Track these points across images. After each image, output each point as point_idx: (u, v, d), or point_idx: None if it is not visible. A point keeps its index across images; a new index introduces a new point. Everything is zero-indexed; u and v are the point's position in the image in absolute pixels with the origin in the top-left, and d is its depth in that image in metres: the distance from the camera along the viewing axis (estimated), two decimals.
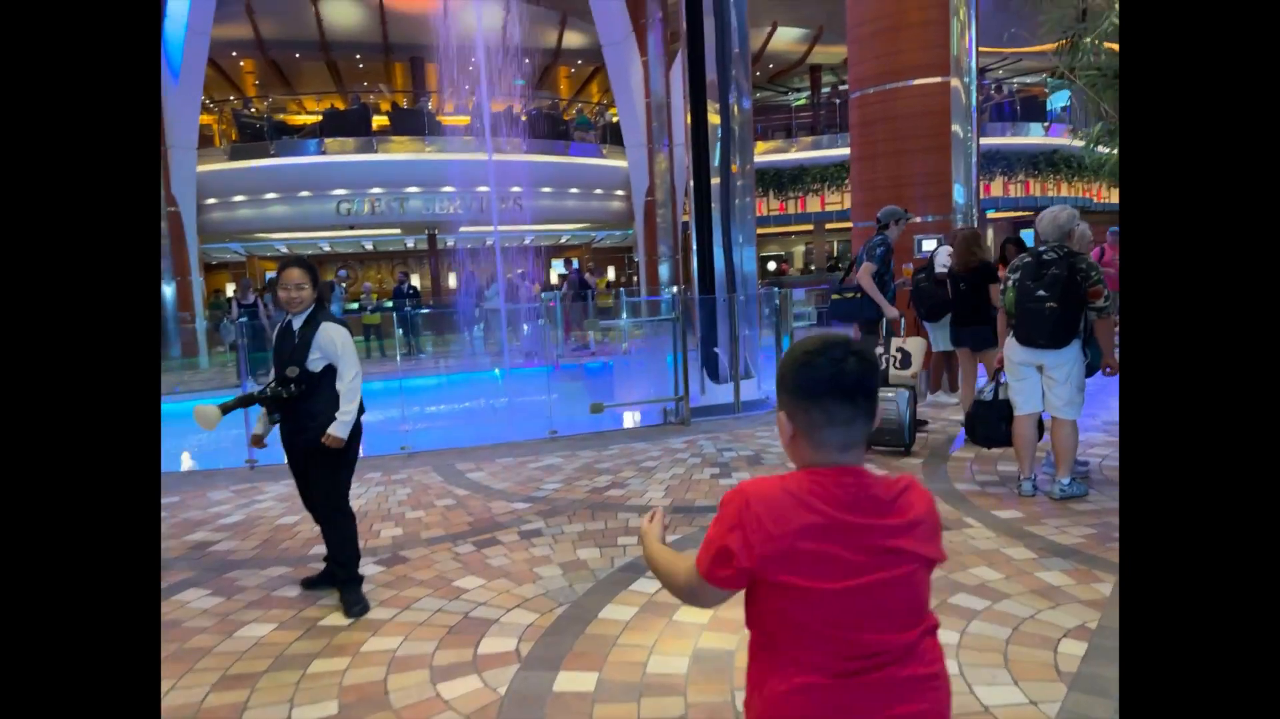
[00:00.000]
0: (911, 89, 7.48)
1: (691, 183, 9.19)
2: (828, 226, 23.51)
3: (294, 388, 3.15)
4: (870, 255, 5.76)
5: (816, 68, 24.52)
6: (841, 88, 23.63)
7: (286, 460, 3.41)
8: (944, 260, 6.95)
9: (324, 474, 3.26)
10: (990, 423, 4.42)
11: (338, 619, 3.16)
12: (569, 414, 7.09)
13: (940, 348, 7.06)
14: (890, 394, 5.26)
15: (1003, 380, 4.41)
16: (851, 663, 1.06)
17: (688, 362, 6.75)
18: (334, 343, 3.19)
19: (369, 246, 25.81)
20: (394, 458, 6.00)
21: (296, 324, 3.21)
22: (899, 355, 5.53)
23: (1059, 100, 20.95)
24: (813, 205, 20.43)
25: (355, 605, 3.19)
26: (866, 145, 7.94)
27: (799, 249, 27.46)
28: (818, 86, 24.57)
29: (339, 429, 3.17)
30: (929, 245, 7.47)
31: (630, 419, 7.19)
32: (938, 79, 7.41)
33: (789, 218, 21.11)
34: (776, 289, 7.58)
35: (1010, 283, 4.11)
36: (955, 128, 7.44)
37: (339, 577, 3.28)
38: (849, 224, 24.02)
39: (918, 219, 7.66)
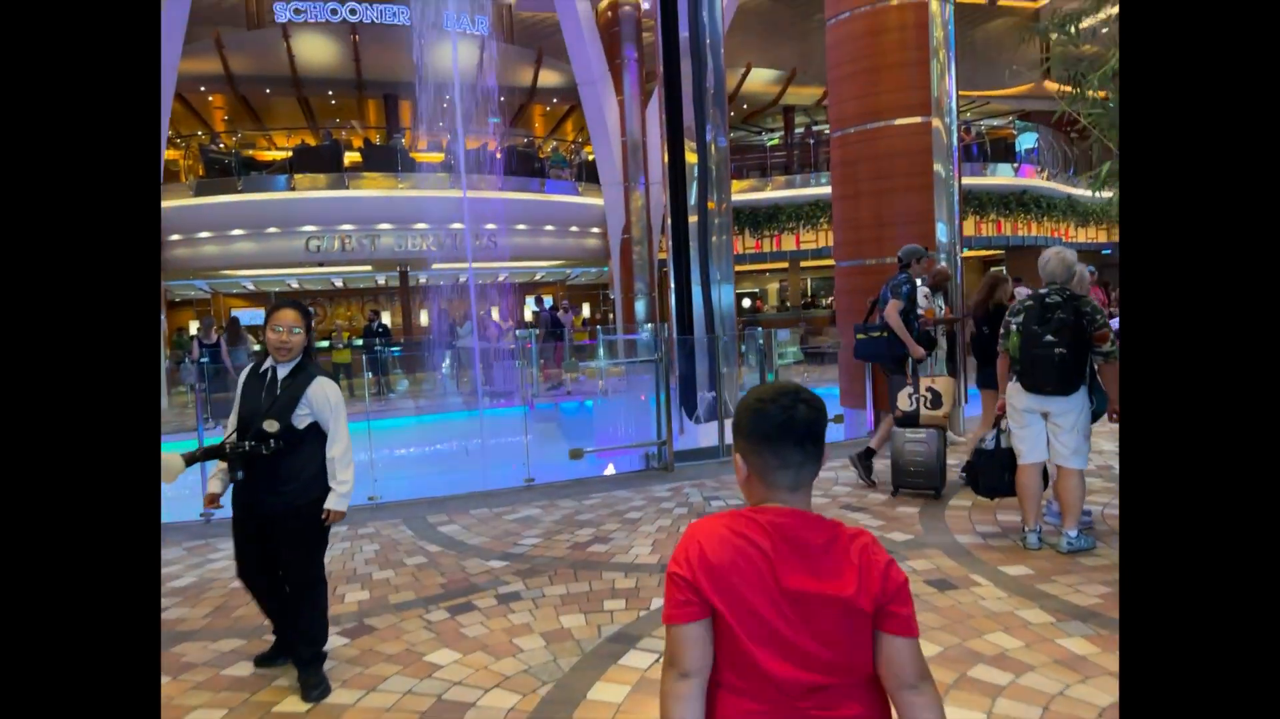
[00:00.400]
0: (893, 129, 7.46)
1: (669, 220, 9.22)
2: (803, 264, 23.62)
3: (274, 444, 2.80)
4: (896, 293, 5.67)
5: (790, 108, 24.89)
6: (815, 127, 24.00)
7: (235, 520, 3.01)
8: (921, 304, 6.86)
9: (299, 542, 2.93)
10: (993, 473, 4.23)
11: (295, 705, 2.83)
12: (546, 459, 6.81)
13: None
14: (921, 435, 5.11)
15: (1005, 428, 4.24)
16: (785, 698, 1.12)
17: (670, 404, 6.53)
18: (327, 400, 2.88)
19: (339, 284, 25.44)
20: (361, 509, 5.66)
21: (281, 373, 2.87)
22: (929, 395, 5.37)
23: (1026, 142, 21.40)
24: (788, 243, 20.51)
25: (315, 689, 2.87)
26: (848, 184, 7.89)
27: (773, 287, 27.58)
28: (791, 127, 24.91)
29: (338, 502, 2.89)
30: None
31: (611, 464, 6.92)
32: (919, 119, 7.40)
33: (764, 256, 21.16)
34: (759, 329, 7.41)
35: (1014, 327, 3.97)
36: (937, 167, 7.41)
37: (302, 655, 2.94)
38: (825, 261, 24.27)
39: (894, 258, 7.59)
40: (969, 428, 7.44)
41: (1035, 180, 20.39)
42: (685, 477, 6.26)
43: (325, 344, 15.98)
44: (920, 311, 6.81)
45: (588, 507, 5.51)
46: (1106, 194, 8.29)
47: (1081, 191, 21.94)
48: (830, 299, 24.28)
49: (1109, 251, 23.06)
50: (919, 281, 7.28)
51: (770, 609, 1.12)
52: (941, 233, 7.57)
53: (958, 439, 7.06)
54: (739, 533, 1.16)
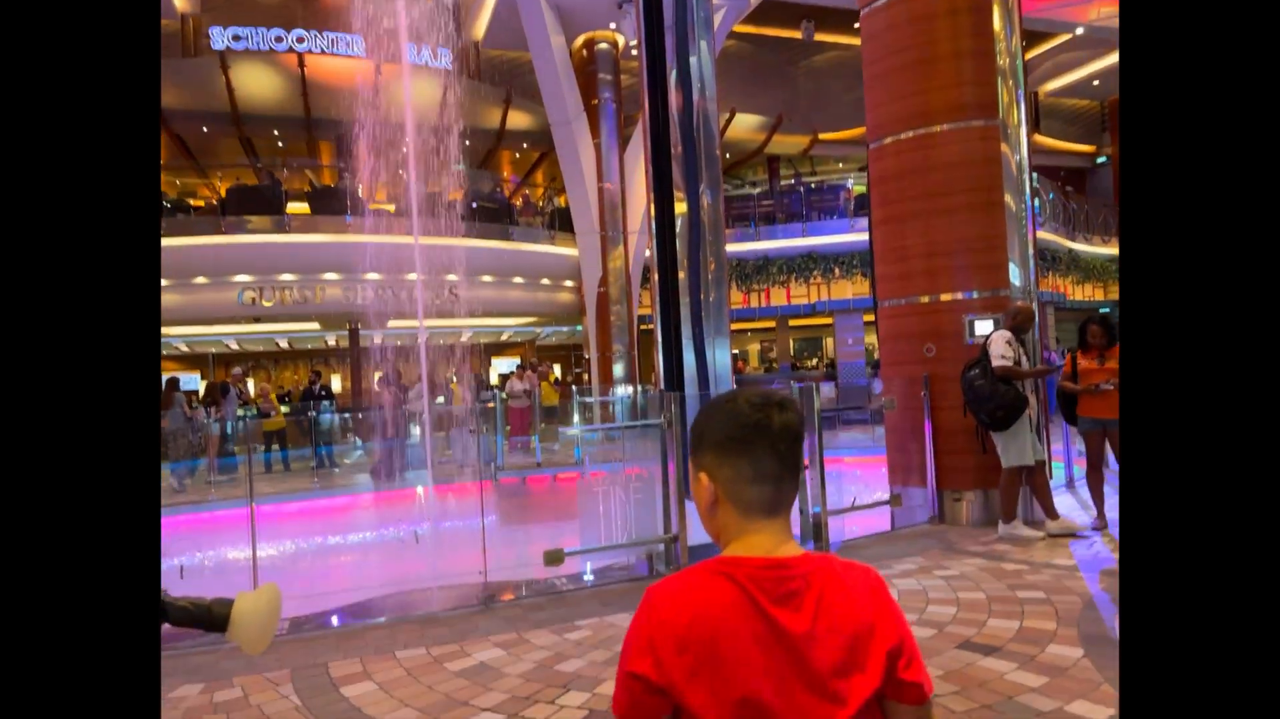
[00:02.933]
0: (948, 134, 6.13)
1: (655, 275, 8.20)
2: (791, 323, 22.36)
3: None
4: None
5: (774, 158, 24.04)
6: (810, 177, 23.10)
7: None
8: (1001, 349, 5.38)
9: None
10: None
11: None
12: (511, 556, 5.09)
13: (1016, 461, 5.38)
14: None
15: None
16: None
17: (684, 483, 4.87)
18: None
19: (284, 344, 23.59)
20: (230, 652, 3.84)
21: None
22: None
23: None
24: (778, 298, 19.25)
25: None
26: (891, 206, 6.50)
27: (754, 348, 26.26)
28: (776, 176, 24.02)
29: None
30: (983, 328, 5.91)
31: (603, 568, 5.18)
32: (981, 122, 6.10)
33: (753, 312, 19.86)
34: (798, 384, 5.88)
35: None
36: (1009, 183, 6.07)
37: None
38: (815, 320, 23.08)
39: (958, 295, 6.15)
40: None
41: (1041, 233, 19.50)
42: None
43: (254, 412, 14.13)
44: (999, 362, 5.35)
45: (574, 644, 3.77)
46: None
47: (1084, 247, 21.14)
48: (815, 360, 22.98)
49: (1107, 309, 22.22)
50: (993, 324, 5.83)
51: (756, 687, 0.90)
52: (1014, 268, 6.15)
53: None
54: (711, 587, 0.93)
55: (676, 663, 0.89)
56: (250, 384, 24.53)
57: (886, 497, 6.47)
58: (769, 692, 0.89)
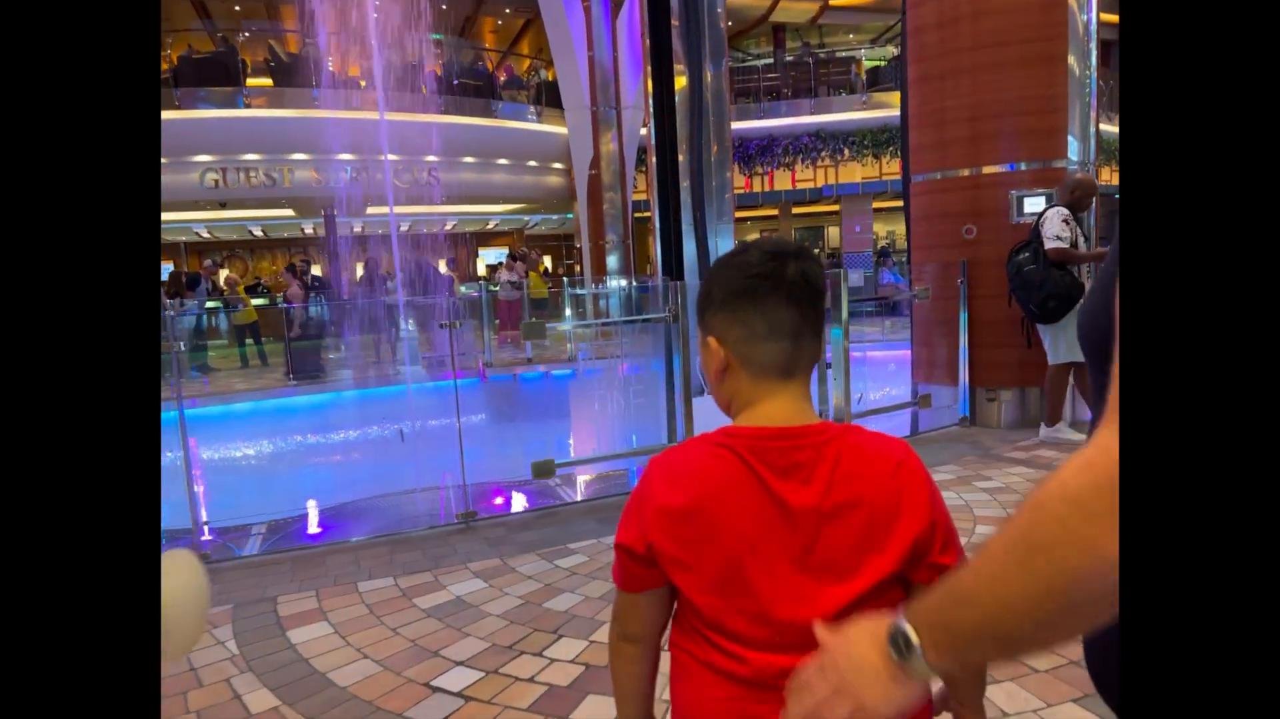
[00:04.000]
0: None
1: (653, 158, 7.58)
2: (795, 210, 21.38)
3: None
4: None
5: (780, 28, 22.32)
6: (819, 49, 21.45)
7: None
8: (1056, 230, 4.68)
9: None
10: None
11: None
12: (500, 466, 4.56)
13: (1066, 357, 4.78)
14: None
15: None
16: (766, 682, 0.82)
17: (689, 385, 4.26)
18: None
19: (259, 232, 22.58)
20: None
21: None
22: None
23: None
24: (782, 182, 18.21)
25: None
26: (930, 61, 5.62)
27: (753, 238, 25.33)
28: (781, 48, 22.37)
29: None
30: (1033, 205, 5.18)
31: (600, 482, 4.64)
32: None
33: (754, 198, 18.84)
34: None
35: None
36: (1072, 30, 5.19)
37: None
38: (822, 208, 22.01)
39: (1004, 168, 5.39)
40: None
41: None
42: None
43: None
44: (1053, 244, 4.69)
45: (565, 572, 3.25)
46: None
47: (1108, 127, 19.98)
48: (817, 250, 22.11)
49: None
50: (1046, 200, 5.09)
51: (764, 545, 0.83)
52: (1072, 140, 5.35)
53: None
54: (710, 460, 0.86)
55: (665, 540, 0.84)
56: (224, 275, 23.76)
57: (908, 396, 5.93)
58: (756, 569, 0.83)
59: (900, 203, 21.73)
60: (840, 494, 0.83)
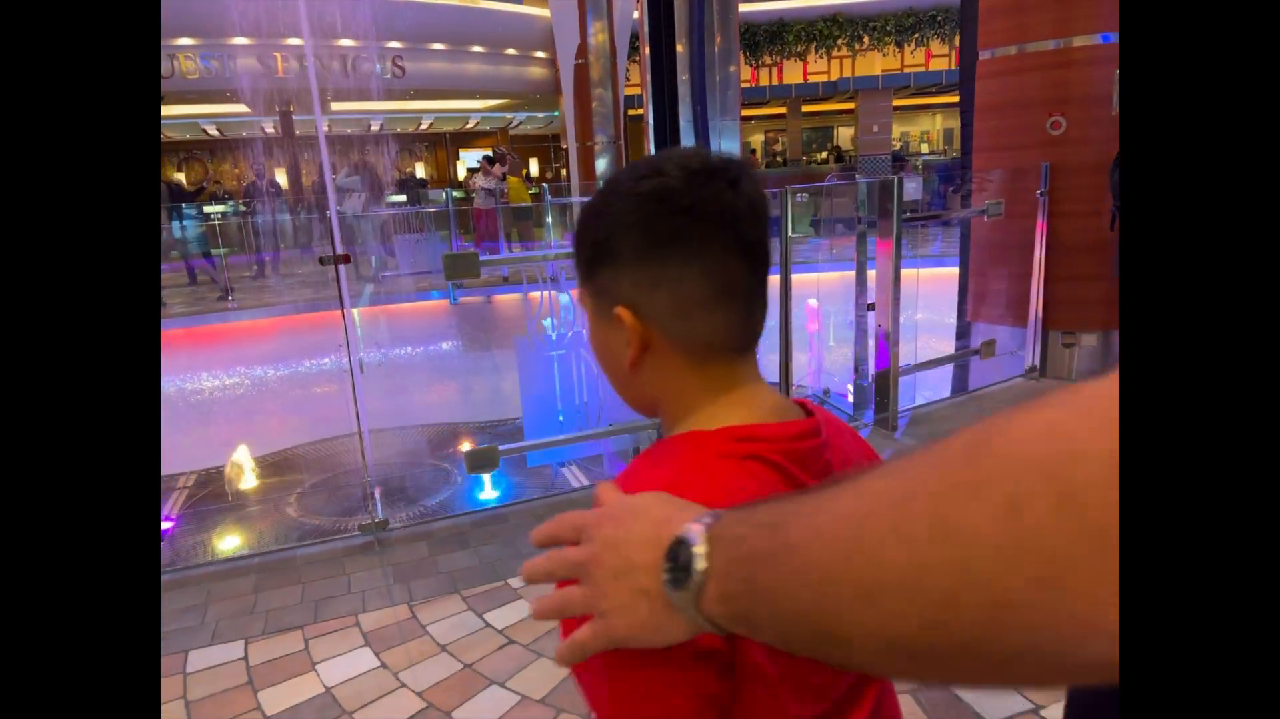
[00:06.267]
0: None
1: (647, 49, 6.58)
2: (805, 108, 19.69)
3: None
4: None
5: None
6: None
7: None
8: None
9: None
10: None
11: None
12: (460, 411, 3.54)
13: None
14: None
15: None
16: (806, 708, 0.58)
17: None
18: None
19: (214, 131, 20.95)
20: None
21: None
22: None
23: None
24: (792, 75, 16.54)
25: None
26: None
27: (757, 138, 23.54)
28: None
29: None
30: None
31: (581, 471, 3.54)
32: None
33: (760, 92, 17.18)
34: (864, 180, 4.02)
35: None
36: None
37: None
38: (836, 106, 20.30)
39: (1101, 39, 4.14)
40: None
41: None
42: None
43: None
44: None
45: (499, 636, 2.23)
46: None
47: None
48: (825, 153, 20.46)
49: None
50: None
51: None
52: None
53: None
54: (742, 479, 0.57)
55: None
56: (182, 178, 22.19)
57: (954, 338, 4.85)
58: None
59: (926, 99, 20.02)
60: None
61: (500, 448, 2.94)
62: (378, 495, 2.91)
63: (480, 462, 2.92)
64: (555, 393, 3.09)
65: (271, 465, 3.68)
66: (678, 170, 0.59)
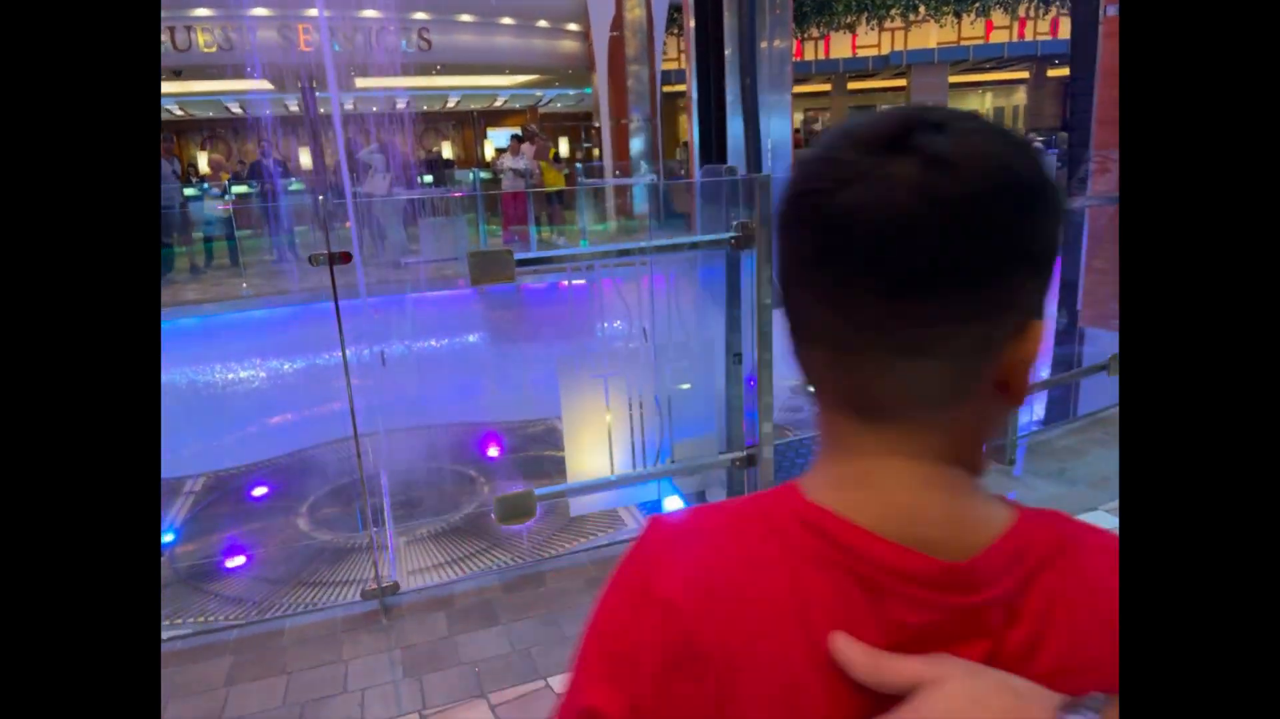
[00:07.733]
0: None
1: (691, 22, 6.38)
2: (851, 85, 18.84)
3: None
4: None
5: None
6: None
7: None
8: None
9: None
10: None
11: None
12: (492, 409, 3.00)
13: None
14: None
15: None
16: None
17: (770, 357, 2.53)
18: None
19: (237, 109, 20.60)
20: None
21: None
22: None
23: None
24: (839, 49, 15.73)
25: None
26: None
27: (797, 116, 22.68)
28: None
29: None
30: None
31: (626, 515, 2.96)
32: None
33: (805, 67, 16.41)
34: None
35: None
36: None
37: None
38: (884, 83, 19.45)
39: None
40: None
41: None
42: None
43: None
44: None
45: None
46: None
47: None
48: None
49: None
50: None
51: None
52: None
53: None
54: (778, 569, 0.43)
55: (663, 691, 0.43)
56: (203, 159, 21.91)
57: (1079, 354, 4.20)
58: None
59: (984, 75, 19.06)
60: (1045, 662, 0.42)
61: (536, 492, 2.38)
62: (391, 550, 2.36)
63: (513, 511, 2.35)
64: (606, 425, 2.51)
65: (265, 474, 3.16)
66: (865, 132, 0.43)
